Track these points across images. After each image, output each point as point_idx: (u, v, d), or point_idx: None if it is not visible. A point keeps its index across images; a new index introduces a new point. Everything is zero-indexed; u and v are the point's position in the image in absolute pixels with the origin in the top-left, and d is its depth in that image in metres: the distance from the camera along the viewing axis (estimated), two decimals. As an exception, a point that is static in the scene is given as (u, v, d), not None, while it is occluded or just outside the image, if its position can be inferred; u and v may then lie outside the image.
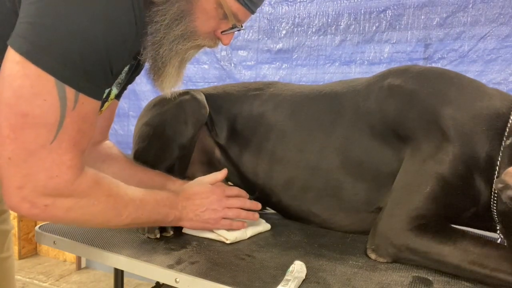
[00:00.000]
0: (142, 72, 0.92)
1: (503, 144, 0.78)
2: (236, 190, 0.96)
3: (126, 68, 0.81)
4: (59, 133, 0.63)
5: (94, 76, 0.65)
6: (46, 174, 0.63)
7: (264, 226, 0.99)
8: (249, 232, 0.94)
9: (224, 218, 0.90)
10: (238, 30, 0.81)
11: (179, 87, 0.88)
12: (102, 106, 0.82)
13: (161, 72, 0.80)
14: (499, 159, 0.78)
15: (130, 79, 0.92)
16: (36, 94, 0.60)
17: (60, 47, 0.61)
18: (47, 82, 0.60)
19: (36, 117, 0.60)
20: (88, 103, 0.66)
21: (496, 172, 0.78)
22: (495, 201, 0.79)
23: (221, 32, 0.80)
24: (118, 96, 0.94)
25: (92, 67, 0.64)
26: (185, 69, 0.85)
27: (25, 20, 0.61)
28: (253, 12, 0.80)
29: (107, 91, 0.79)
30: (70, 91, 0.62)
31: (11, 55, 0.60)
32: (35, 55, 0.59)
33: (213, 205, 0.88)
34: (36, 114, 0.60)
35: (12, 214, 0.96)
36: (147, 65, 0.83)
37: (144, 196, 0.80)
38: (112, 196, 0.74)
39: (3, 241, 0.91)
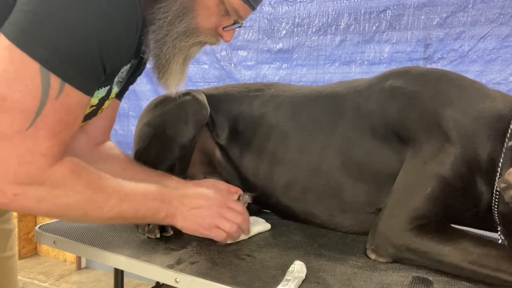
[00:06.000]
0: (143, 73, 0.92)
1: (505, 145, 0.78)
2: (240, 206, 0.88)
3: (127, 67, 0.81)
4: (37, 120, 0.61)
5: (84, 70, 0.64)
6: (18, 161, 0.60)
7: (264, 226, 0.99)
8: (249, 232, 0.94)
9: (217, 227, 0.83)
10: (239, 27, 0.81)
11: (184, 85, 0.87)
12: (102, 104, 0.82)
13: (166, 69, 0.80)
14: (501, 160, 0.78)
15: (131, 79, 0.91)
16: (19, 79, 0.59)
17: (50, 35, 0.60)
18: (31, 68, 0.59)
19: (15, 102, 0.59)
20: (75, 95, 0.64)
21: (498, 174, 0.78)
22: (496, 202, 0.79)
23: (223, 28, 0.80)
24: (119, 96, 0.94)
25: (82, 60, 0.63)
26: (188, 67, 0.85)
27: (18, 8, 0.60)
28: (253, 9, 0.81)
29: (106, 88, 0.78)
30: (55, 80, 0.61)
31: (1, 41, 0.60)
32: (23, 41, 0.59)
33: (212, 209, 0.82)
34: (15, 98, 0.59)
35: (13, 214, 0.95)
36: (150, 64, 0.82)
37: (131, 189, 0.75)
38: (91, 188, 0.69)
39: (5, 240, 0.90)
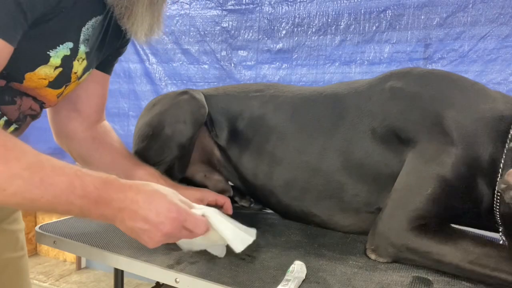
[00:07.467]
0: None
1: (507, 146, 0.78)
2: (203, 226, 0.67)
3: (91, 22, 0.75)
4: None
5: None
6: None
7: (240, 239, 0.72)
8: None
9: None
10: None
11: (158, 34, 0.80)
12: (70, 65, 0.76)
13: (130, 11, 0.75)
14: (502, 161, 0.78)
15: (113, 46, 0.87)
16: None
17: None
18: None
19: None
20: None
21: (499, 175, 0.78)
22: (497, 203, 0.79)
23: None
24: (106, 69, 0.91)
25: None
26: (161, 13, 0.79)
27: None
28: None
29: (67, 46, 0.72)
30: None
31: None
32: None
33: (160, 231, 0.63)
34: None
35: (21, 213, 0.94)
36: (116, 11, 0.77)
37: (53, 171, 0.56)
38: None
39: (15, 240, 0.89)
